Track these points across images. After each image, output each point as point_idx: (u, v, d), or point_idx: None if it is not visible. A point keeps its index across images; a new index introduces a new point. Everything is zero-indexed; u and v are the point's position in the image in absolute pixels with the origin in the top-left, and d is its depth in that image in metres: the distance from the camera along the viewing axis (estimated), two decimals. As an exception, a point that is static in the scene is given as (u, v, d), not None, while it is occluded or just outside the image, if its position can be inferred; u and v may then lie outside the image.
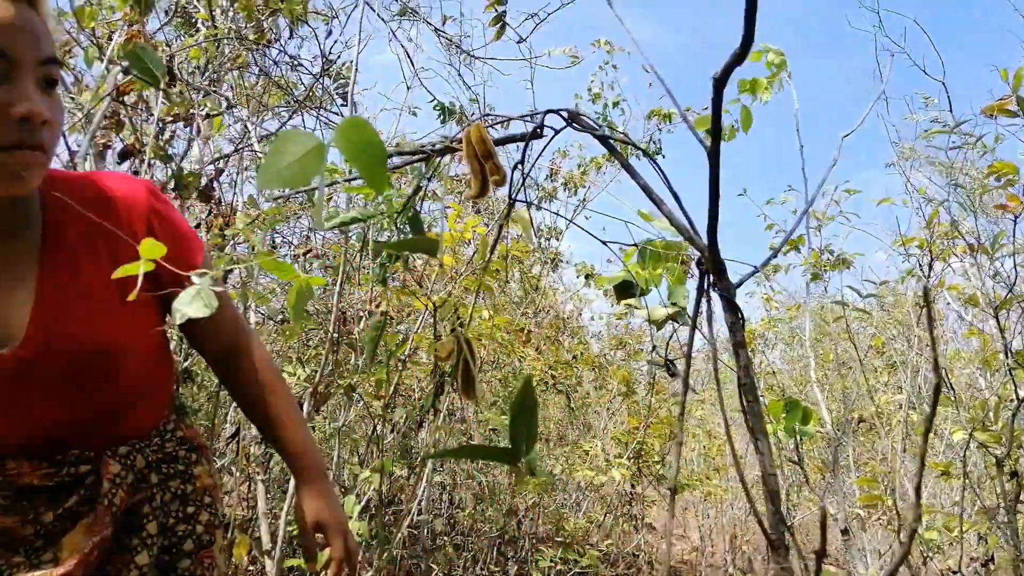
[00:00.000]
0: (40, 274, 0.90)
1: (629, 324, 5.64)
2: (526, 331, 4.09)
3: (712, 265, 0.75)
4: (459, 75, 4.44)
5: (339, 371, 3.04)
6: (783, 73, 1.52)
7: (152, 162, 2.29)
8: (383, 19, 4.53)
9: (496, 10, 4.11)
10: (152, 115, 2.35)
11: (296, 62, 4.25)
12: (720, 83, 0.63)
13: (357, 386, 2.70)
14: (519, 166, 0.87)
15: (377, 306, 3.15)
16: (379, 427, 2.64)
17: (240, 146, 3.67)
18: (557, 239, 5.49)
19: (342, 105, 4.42)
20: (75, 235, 0.92)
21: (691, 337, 0.79)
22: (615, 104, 5.13)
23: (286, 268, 1.12)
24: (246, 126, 3.70)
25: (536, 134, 0.85)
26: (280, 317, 3.29)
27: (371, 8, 4.17)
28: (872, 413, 4.23)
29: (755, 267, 0.81)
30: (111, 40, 2.89)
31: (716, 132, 0.66)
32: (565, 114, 0.84)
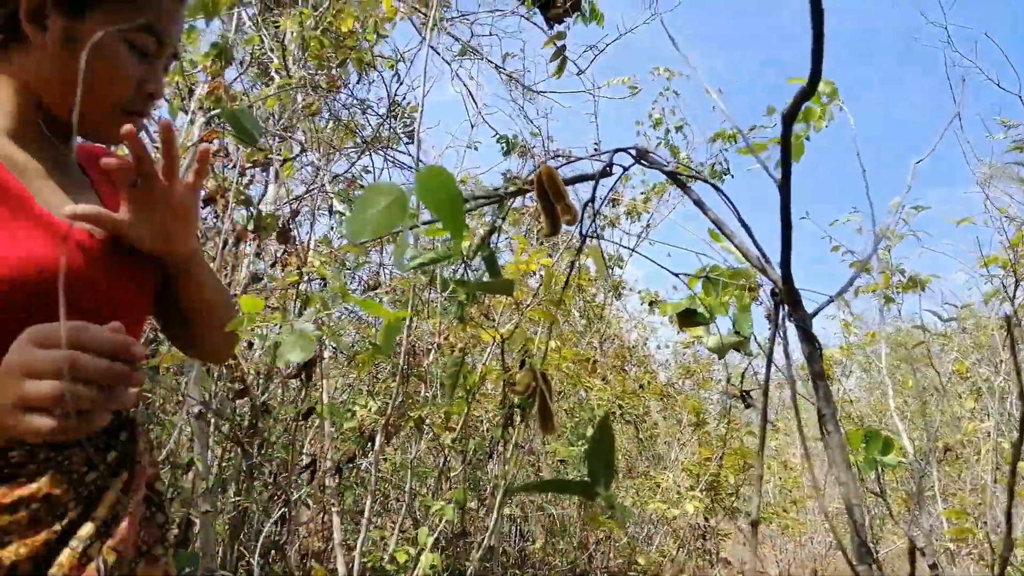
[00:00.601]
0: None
1: (697, 352, 5.56)
2: (592, 361, 4.08)
3: (787, 295, 0.75)
4: (521, 109, 4.51)
5: (409, 404, 3.09)
6: (835, 101, 1.52)
7: (233, 206, 2.41)
8: (446, 60, 4.67)
9: (555, 45, 4.19)
10: (233, 163, 2.48)
11: (364, 105, 4.42)
12: (789, 119, 0.64)
13: (427, 418, 2.75)
14: (590, 203, 0.89)
15: (446, 339, 3.21)
16: (449, 459, 2.67)
17: (312, 187, 3.82)
18: (620, 267, 5.48)
19: (408, 144, 4.55)
20: (102, 186, 0.99)
21: (768, 368, 0.79)
22: (678, 129, 5.14)
23: (375, 305, 1.18)
24: (317, 168, 3.84)
25: (605, 172, 0.88)
26: (352, 351, 3.37)
27: (435, 52, 4.30)
28: (958, 441, 4.04)
29: (830, 296, 0.81)
30: (192, 92, 3.07)
31: (786, 166, 0.67)
32: (633, 152, 0.86)
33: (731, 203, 0.81)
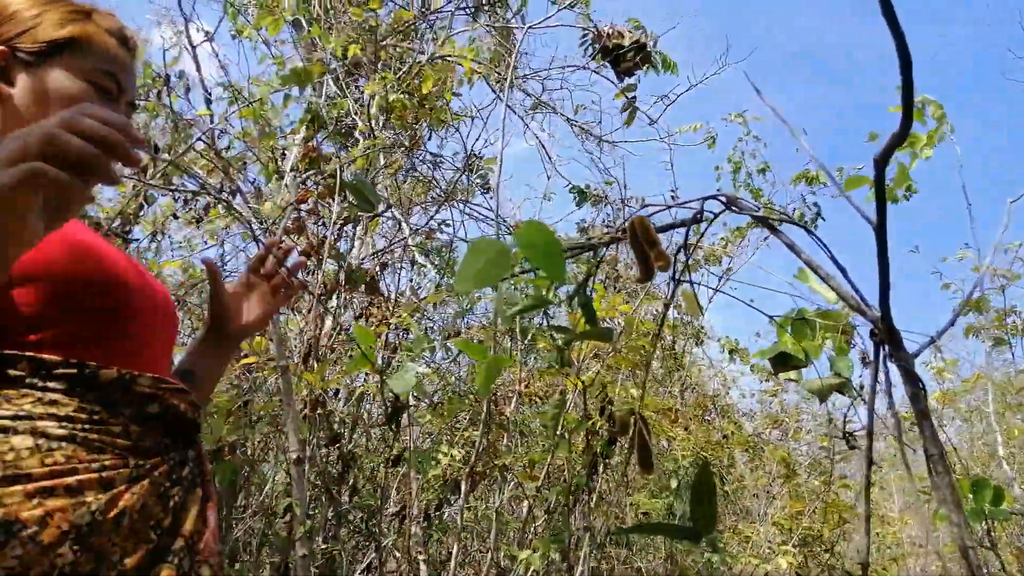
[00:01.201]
0: None
1: (784, 401, 5.38)
2: (673, 410, 4.01)
3: (887, 335, 0.75)
4: (596, 160, 4.56)
5: (492, 452, 3.11)
6: (945, 127, 1.50)
7: (326, 261, 2.52)
8: (518, 115, 4.80)
9: (626, 97, 4.25)
10: (324, 221, 2.60)
11: (439, 160, 4.57)
12: (881, 163, 0.65)
13: (511, 466, 2.76)
14: (683, 249, 0.92)
15: (526, 387, 3.23)
16: (533, 508, 2.66)
17: (394, 241, 3.95)
18: (700, 315, 5.39)
19: (484, 195, 4.67)
20: None
21: (871, 410, 0.78)
22: (761, 171, 5.09)
23: (476, 348, 1.22)
24: (399, 222, 3.97)
25: (697, 219, 0.90)
26: (434, 399, 3.43)
27: (512, 110, 4.43)
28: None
29: (932, 336, 0.80)
30: (284, 155, 3.26)
31: (881, 209, 0.68)
32: (723, 198, 0.89)
33: (824, 246, 0.81)
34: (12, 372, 0.79)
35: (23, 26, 0.93)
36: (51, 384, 0.79)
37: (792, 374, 1.23)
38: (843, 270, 0.82)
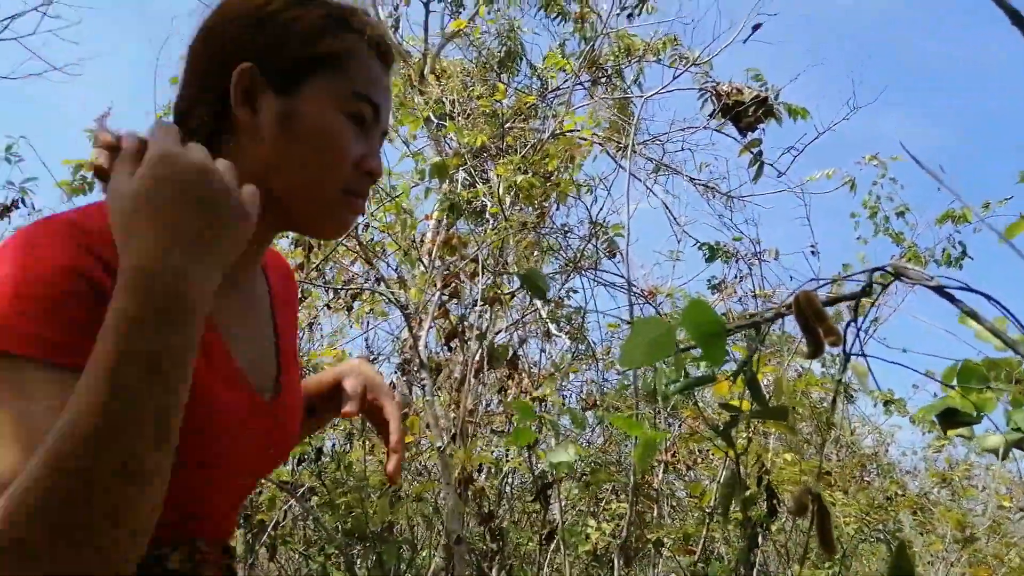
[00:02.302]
0: (276, 328, 0.87)
1: (951, 456, 4.96)
2: (829, 473, 3.79)
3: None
4: (720, 217, 4.53)
5: (641, 524, 3.05)
6: None
7: (469, 340, 2.63)
8: (639, 179, 4.85)
9: (751, 152, 4.21)
10: (463, 301, 2.72)
11: (566, 229, 4.67)
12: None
13: (665, 540, 2.70)
14: (852, 323, 0.91)
15: (673, 456, 3.17)
16: (692, 583, 2.58)
17: (527, 312, 4.04)
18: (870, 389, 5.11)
19: (611, 260, 4.70)
20: (279, 297, 0.91)
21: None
22: (899, 215, 4.88)
23: (633, 424, 1.25)
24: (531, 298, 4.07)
25: (866, 292, 0.89)
26: (580, 474, 3.42)
27: (635, 176, 4.49)
28: None
29: None
30: (422, 242, 3.44)
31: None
32: (891, 269, 0.88)
33: (1007, 310, 0.79)
34: None
35: (269, 40, 0.75)
36: None
37: (964, 431, 1.16)
38: (1019, 322, 0.79)
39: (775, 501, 2.14)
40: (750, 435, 2.67)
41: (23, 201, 3.63)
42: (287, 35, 0.76)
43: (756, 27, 3.89)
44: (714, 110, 4.01)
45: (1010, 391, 1.13)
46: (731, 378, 1.11)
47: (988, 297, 0.92)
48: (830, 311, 0.90)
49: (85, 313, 0.60)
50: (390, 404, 0.94)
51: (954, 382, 1.21)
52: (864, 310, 0.91)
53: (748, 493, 2.26)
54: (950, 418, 1.13)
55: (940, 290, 0.93)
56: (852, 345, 1.00)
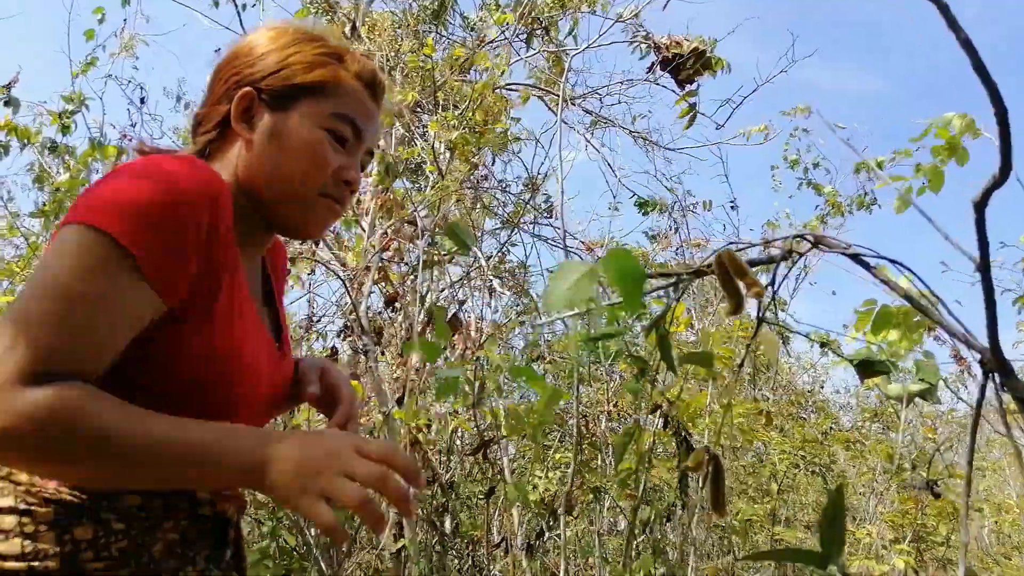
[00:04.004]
0: (275, 297, 1.05)
1: (881, 393, 5.20)
2: (765, 413, 3.94)
3: (996, 364, 0.75)
4: (659, 171, 4.55)
5: (587, 472, 3.13)
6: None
7: (411, 302, 2.61)
8: (579, 132, 4.83)
9: (687, 103, 4.23)
10: (405, 263, 2.69)
11: (504, 185, 4.64)
12: (980, 207, 0.66)
13: (606, 487, 2.78)
14: (769, 286, 0.93)
15: (615, 406, 3.24)
16: (635, 528, 2.67)
17: (469, 270, 4.03)
18: (783, 309, 5.29)
19: (548, 218, 4.71)
20: (278, 270, 1.10)
21: (972, 440, 0.78)
22: (815, 166, 5.03)
23: (538, 380, 1.29)
24: (475, 254, 4.05)
25: (784, 257, 0.91)
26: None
27: (571, 127, 4.47)
28: None
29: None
30: (359, 202, 3.38)
31: (983, 249, 0.68)
32: (811, 237, 0.90)
33: (923, 282, 0.81)
34: None
35: (271, 68, 0.92)
36: None
37: (879, 380, 1.21)
38: (941, 302, 0.82)
39: (686, 438, 2.22)
40: (679, 382, 2.74)
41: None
42: (286, 65, 0.93)
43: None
44: (653, 63, 3.99)
45: (915, 340, 1.19)
46: (645, 333, 1.13)
47: (899, 263, 0.95)
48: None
49: (190, 244, 0.77)
50: (346, 388, 1.05)
51: (867, 328, 1.26)
52: (782, 276, 0.94)
53: (692, 455, 2.33)
54: (867, 368, 1.18)
55: (856, 258, 0.96)
56: (764, 311, 1.03)
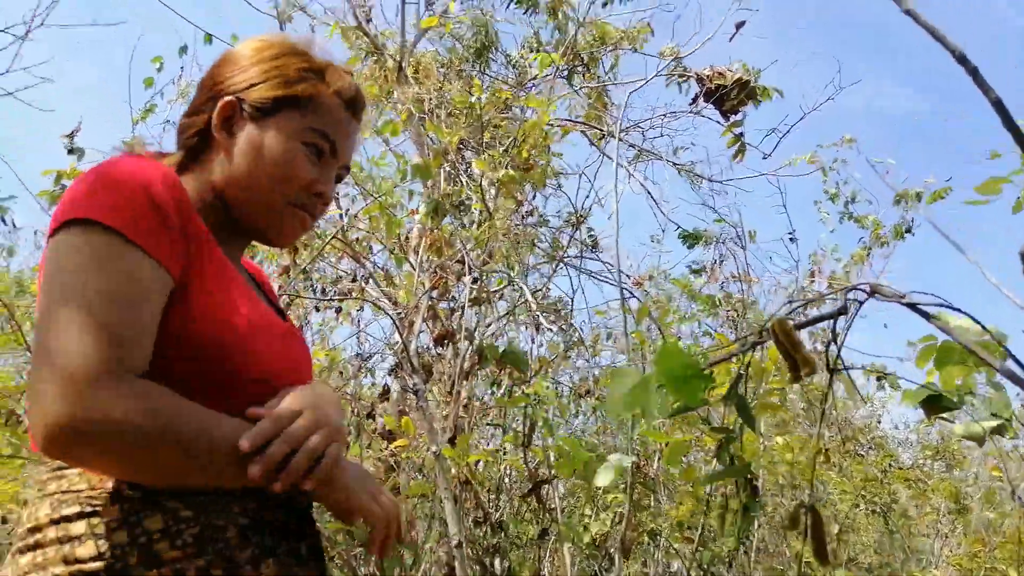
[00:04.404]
0: (269, 295, 1.10)
1: (942, 428, 5.02)
2: (824, 451, 3.83)
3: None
4: (708, 202, 4.52)
5: (640, 511, 3.07)
6: None
7: (459, 340, 2.63)
8: (623, 166, 4.83)
9: (733, 134, 4.21)
10: (455, 301, 2.71)
11: (543, 220, 4.65)
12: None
13: (661, 530, 2.72)
14: (832, 342, 0.92)
15: (667, 444, 3.19)
16: (691, 571, 2.61)
17: (516, 306, 4.04)
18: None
19: (596, 253, 4.70)
20: (265, 283, 1.13)
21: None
22: (853, 200, 5.01)
23: (662, 435, 1.27)
24: (520, 289, 4.05)
25: (842, 311, 0.90)
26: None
27: (621, 165, 4.47)
28: None
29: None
30: (408, 239, 3.43)
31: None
32: (867, 287, 0.88)
33: (978, 322, 0.79)
34: None
35: (254, 79, 0.95)
36: None
37: (947, 415, 1.16)
38: (1006, 348, 0.80)
39: (755, 484, 2.16)
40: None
41: (2, 219, 3.59)
42: (269, 77, 0.96)
43: (740, 24, 3.87)
44: (697, 95, 3.99)
45: (987, 375, 1.14)
46: (722, 402, 1.12)
47: (956, 309, 0.93)
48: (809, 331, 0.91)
49: (164, 226, 0.80)
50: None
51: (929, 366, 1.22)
52: (843, 330, 0.92)
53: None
54: (933, 403, 1.14)
55: (914, 307, 0.94)
56: (833, 363, 1.01)
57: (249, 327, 0.86)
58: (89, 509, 0.76)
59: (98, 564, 0.74)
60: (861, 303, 0.89)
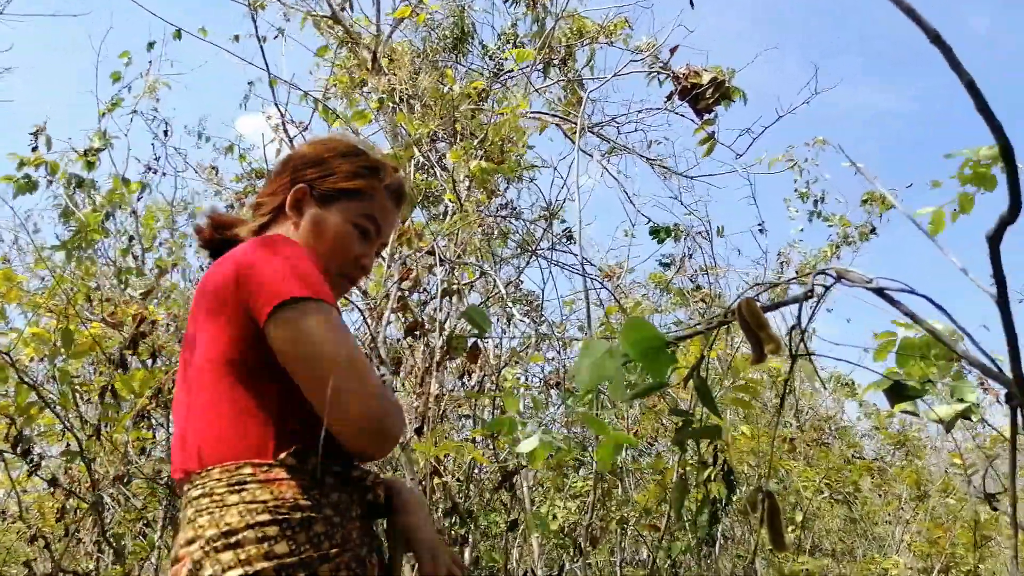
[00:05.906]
0: None
1: (905, 419, 5.13)
2: (789, 440, 3.89)
3: (1023, 398, 0.75)
4: (678, 196, 4.56)
5: (607, 500, 3.10)
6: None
7: (430, 332, 2.62)
8: (596, 159, 4.84)
9: (706, 131, 4.24)
10: (424, 291, 2.70)
11: (517, 212, 4.65)
12: (994, 243, 0.66)
13: (628, 518, 2.75)
14: (796, 327, 0.93)
15: (635, 433, 3.21)
16: (656, 559, 2.64)
17: (488, 297, 4.04)
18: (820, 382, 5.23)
19: (569, 243, 4.71)
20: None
21: (1012, 471, 0.77)
22: (822, 200, 5.11)
23: (600, 425, 1.29)
24: (494, 281, 4.05)
25: (808, 295, 0.92)
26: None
27: (588, 155, 4.49)
28: None
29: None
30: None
31: (1001, 286, 0.68)
32: (834, 273, 0.90)
33: (947, 314, 0.81)
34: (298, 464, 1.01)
35: (323, 172, 1.22)
36: (327, 480, 1.02)
37: (908, 405, 1.19)
38: (971, 337, 0.82)
39: (732, 478, 2.19)
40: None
41: (-39, 205, 3.49)
42: (333, 173, 1.22)
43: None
44: (672, 92, 4.01)
45: (944, 368, 1.17)
46: (683, 383, 1.13)
47: (922, 296, 0.95)
48: (775, 314, 0.93)
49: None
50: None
51: (889, 358, 1.24)
52: (808, 313, 0.94)
53: (707, 472, 2.31)
54: (898, 392, 1.16)
55: (880, 292, 0.96)
56: (798, 347, 1.03)
57: None
58: (278, 516, 0.97)
59: (293, 559, 0.94)
60: (827, 288, 0.91)
